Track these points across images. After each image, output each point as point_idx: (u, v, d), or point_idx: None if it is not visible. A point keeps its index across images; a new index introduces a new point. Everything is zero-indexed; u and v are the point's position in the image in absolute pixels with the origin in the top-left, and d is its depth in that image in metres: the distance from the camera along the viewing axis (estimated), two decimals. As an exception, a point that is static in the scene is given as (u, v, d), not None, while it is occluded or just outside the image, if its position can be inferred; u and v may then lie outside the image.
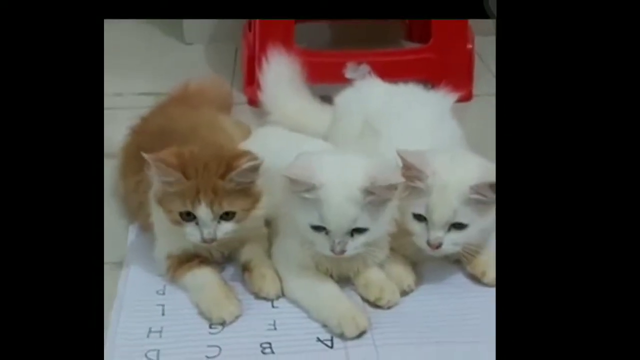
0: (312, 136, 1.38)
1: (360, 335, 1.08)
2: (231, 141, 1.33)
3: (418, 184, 1.12)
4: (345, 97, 1.44)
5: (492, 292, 1.19)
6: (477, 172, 1.11)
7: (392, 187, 1.08)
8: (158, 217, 1.16)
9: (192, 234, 1.12)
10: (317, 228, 1.09)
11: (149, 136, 1.30)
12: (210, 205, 1.09)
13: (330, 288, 1.15)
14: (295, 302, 1.16)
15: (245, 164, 1.09)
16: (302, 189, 1.07)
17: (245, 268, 1.18)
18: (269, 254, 1.20)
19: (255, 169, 1.11)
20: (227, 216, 1.12)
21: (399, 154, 1.13)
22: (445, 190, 1.11)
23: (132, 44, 2.14)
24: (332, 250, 1.09)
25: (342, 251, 1.09)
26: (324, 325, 1.11)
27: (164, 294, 1.18)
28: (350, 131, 1.36)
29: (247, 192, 1.13)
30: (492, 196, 1.10)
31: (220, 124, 1.37)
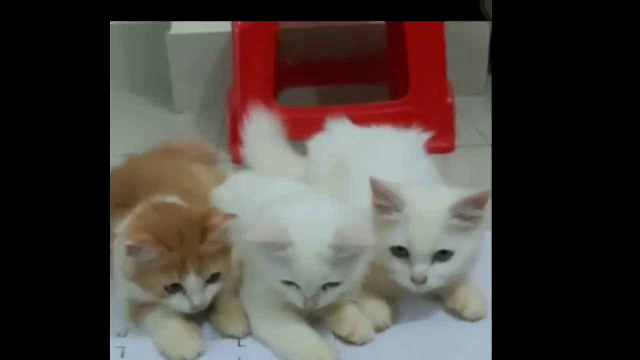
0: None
1: None
2: (200, 186, 1.30)
3: (394, 215, 1.08)
4: (317, 141, 1.43)
5: (474, 326, 1.14)
6: (453, 195, 1.08)
7: (363, 248, 1.04)
8: (118, 265, 1.11)
9: (180, 305, 1.07)
10: (288, 282, 1.05)
11: (116, 185, 1.28)
12: (199, 272, 1.05)
13: (298, 325, 1.09)
14: (262, 341, 1.11)
15: (223, 223, 1.06)
16: (272, 249, 1.03)
17: (211, 306, 1.13)
18: (236, 292, 1.16)
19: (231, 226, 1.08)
20: (213, 278, 1.08)
21: (372, 183, 1.09)
22: (424, 217, 1.06)
23: (122, 114, 2.05)
24: (304, 304, 1.05)
25: (315, 304, 1.05)
26: (292, 365, 1.06)
27: (125, 336, 1.14)
28: (323, 172, 1.34)
29: (225, 248, 1.10)
30: (473, 213, 1.06)
31: (191, 170, 1.34)
